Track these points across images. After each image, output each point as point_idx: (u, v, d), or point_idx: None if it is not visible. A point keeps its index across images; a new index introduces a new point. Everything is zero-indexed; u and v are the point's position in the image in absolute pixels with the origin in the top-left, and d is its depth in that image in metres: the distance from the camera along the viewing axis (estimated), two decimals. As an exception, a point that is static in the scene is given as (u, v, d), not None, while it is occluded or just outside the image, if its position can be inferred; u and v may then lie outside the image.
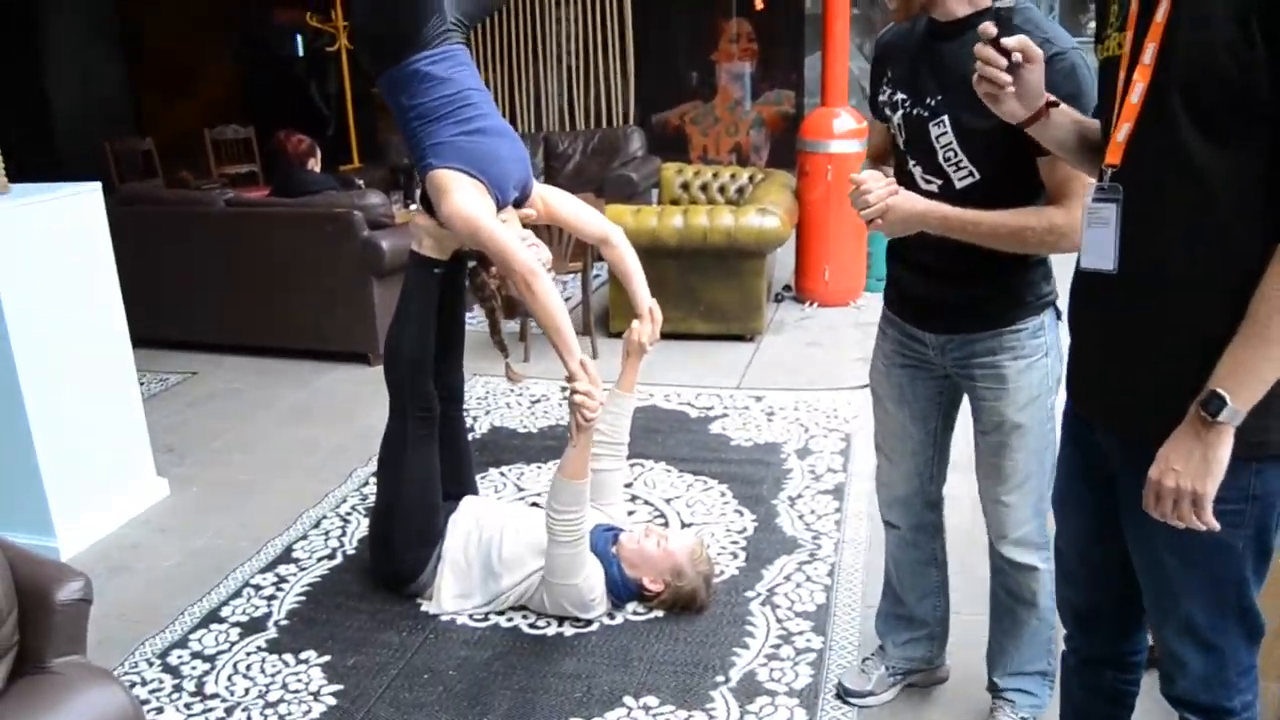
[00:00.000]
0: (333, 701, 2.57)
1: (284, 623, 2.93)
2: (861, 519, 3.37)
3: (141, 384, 4.90)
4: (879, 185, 1.90)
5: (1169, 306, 1.45)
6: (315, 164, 5.52)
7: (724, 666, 2.63)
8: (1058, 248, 1.87)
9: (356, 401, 4.63)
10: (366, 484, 3.74)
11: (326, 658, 2.74)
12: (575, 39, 8.50)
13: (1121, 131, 1.48)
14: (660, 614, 2.86)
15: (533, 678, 2.62)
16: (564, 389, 2.53)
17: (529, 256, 2.45)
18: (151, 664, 2.76)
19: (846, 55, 5.92)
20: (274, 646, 2.81)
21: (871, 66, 2.18)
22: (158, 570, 3.30)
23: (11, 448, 3.28)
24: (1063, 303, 1.79)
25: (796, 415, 4.28)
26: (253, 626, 2.92)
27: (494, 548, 2.85)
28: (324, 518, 3.56)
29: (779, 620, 2.83)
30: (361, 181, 7.16)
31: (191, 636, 2.88)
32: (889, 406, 2.28)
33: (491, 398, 4.61)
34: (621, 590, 2.84)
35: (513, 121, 8.60)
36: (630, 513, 3.44)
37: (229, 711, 2.55)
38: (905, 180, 2.02)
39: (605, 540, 2.87)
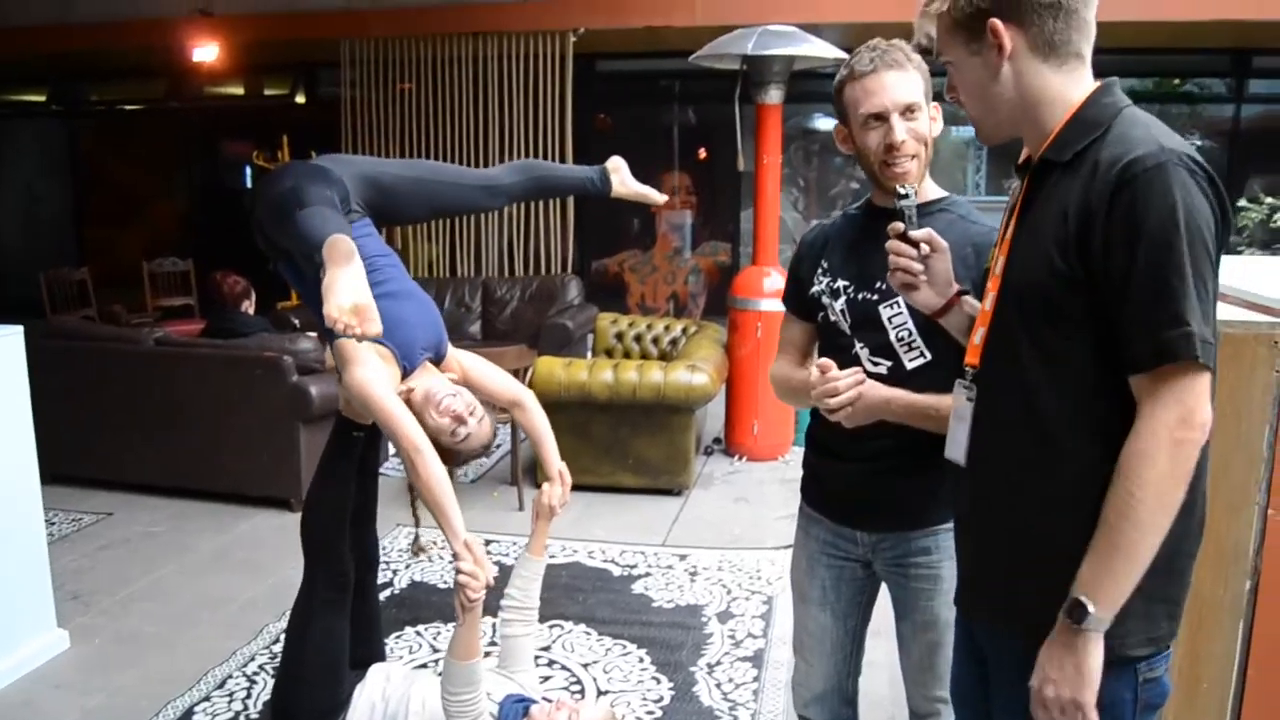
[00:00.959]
0: None
1: (177, 794, 2.81)
2: (779, 688, 3.35)
3: (53, 524, 4.82)
4: (847, 374, 1.88)
5: (1004, 506, 1.53)
6: (250, 305, 5.56)
7: None
8: None
9: (275, 550, 4.54)
10: (276, 640, 3.64)
11: (218, 835, 2.63)
12: (517, 186, 8.70)
13: (978, 335, 1.60)
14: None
15: None
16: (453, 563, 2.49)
17: (417, 432, 2.44)
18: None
19: (777, 215, 6.15)
20: (163, 821, 2.69)
21: (794, 264, 2.18)
22: (49, 731, 3.17)
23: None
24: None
25: (720, 576, 4.28)
26: (143, 798, 2.79)
27: None
28: (229, 677, 3.45)
29: (690, 798, 2.78)
30: (298, 320, 7.19)
31: (77, 808, 2.75)
32: (811, 608, 2.22)
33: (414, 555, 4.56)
34: (531, 765, 2.77)
35: (452, 267, 8.77)
36: (546, 679, 3.39)
37: None
38: (848, 364, 1.99)
39: (515, 713, 2.80)
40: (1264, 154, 9.16)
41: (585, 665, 3.54)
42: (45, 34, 8.71)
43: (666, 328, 6.71)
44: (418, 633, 3.78)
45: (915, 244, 1.66)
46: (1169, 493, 1.35)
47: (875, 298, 1.98)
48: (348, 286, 2.12)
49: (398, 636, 3.73)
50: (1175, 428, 1.33)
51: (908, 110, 1.93)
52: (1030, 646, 1.46)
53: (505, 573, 3.00)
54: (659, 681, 3.42)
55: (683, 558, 4.50)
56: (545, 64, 8.40)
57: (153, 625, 3.87)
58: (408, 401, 2.59)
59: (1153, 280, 1.33)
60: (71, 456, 5.32)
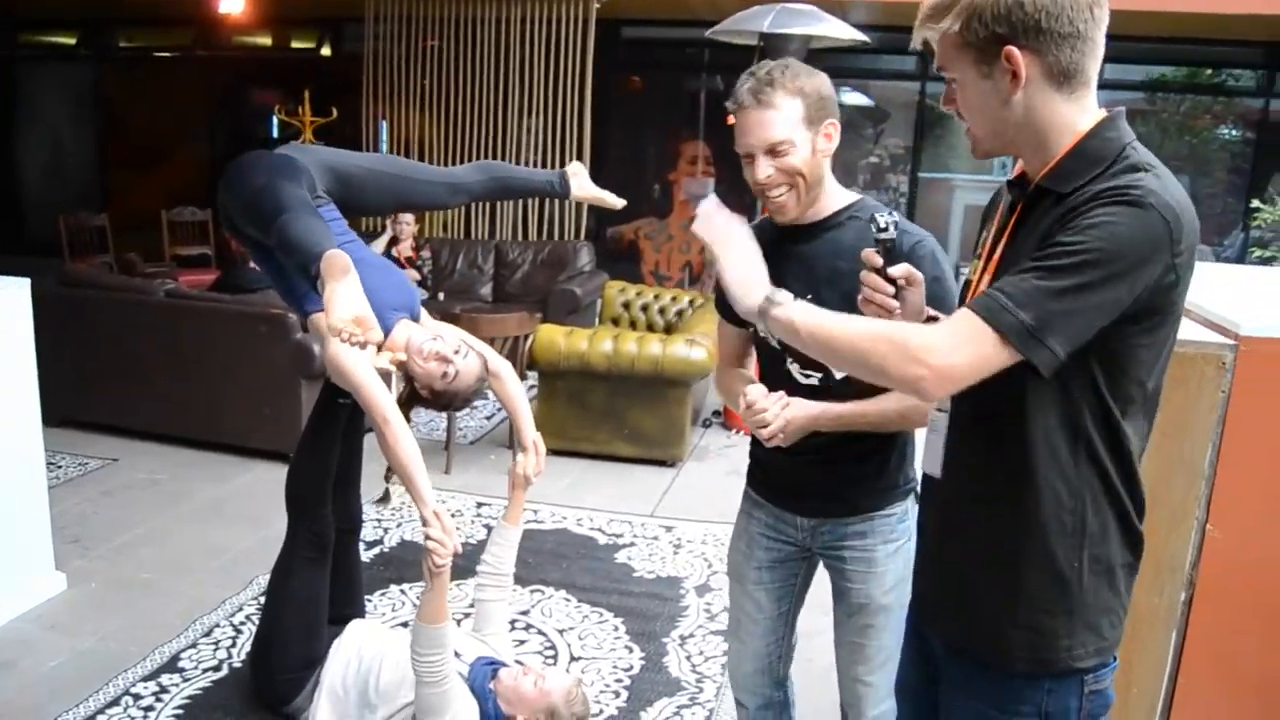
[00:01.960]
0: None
1: (156, 737, 2.92)
2: (747, 664, 3.43)
3: (60, 467, 4.95)
4: (771, 402, 1.94)
5: (978, 521, 1.56)
6: (260, 261, 5.63)
7: (585, 814, 2.66)
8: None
9: (272, 503, 4.57)
10: (264, 593, 3.74)
11: (192, 778, 2.74)
12: (533, 149, 8.74)
13: None
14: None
15: (394, 814, 2.63)
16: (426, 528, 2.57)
17: (388, 404, 2.52)
18: (14, 773, 2.75)
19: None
20: (141, 762, 2.81)
21: None
22: (41, 670, 3.28)
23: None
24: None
25: (703, 549, 4.36)
26: (124, 739, 2.91)
27: (372, 677, 2.88)
28: (217, 625, 3.57)
29: (647, 768, 2.87)
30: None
31: (60, 746, 2.87)
32: (748, 588, 2.29)
33: (406, 509, 4.65)
34: (495, 727, 2.86)
35: (466, 229, 8.82)
36: (521, 643, 3.49)
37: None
38: (779, 377, 2.08)
39: (484, 675, 2.89)
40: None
41: (561, 631, 3.63)
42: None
43: (673, 299, 6.76)
44: (402, 591, 3.89)
45: (893, 280, 1.62)
46: (852, 361, 1.46)
47: None
48: (347, 300, 2.26)
49: (383, 594, 3.84)
50: (927, 351, 1.36)
51: (773, 149, 1.94)
52: (983, 676, 1.52)
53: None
54: (631, 650, 3.51)
55: (669, 529, 4.58)
56: (567, 28, 8.40)
57: (148, 571, 3.99)
58: (400, 364, 2.70)
59: (1050, 264, 1.33)
60: (81, 402, 5.46)
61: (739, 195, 9.68)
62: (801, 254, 2.04)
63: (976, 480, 1.56)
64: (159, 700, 3.10)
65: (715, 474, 5.42)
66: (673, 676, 3.36)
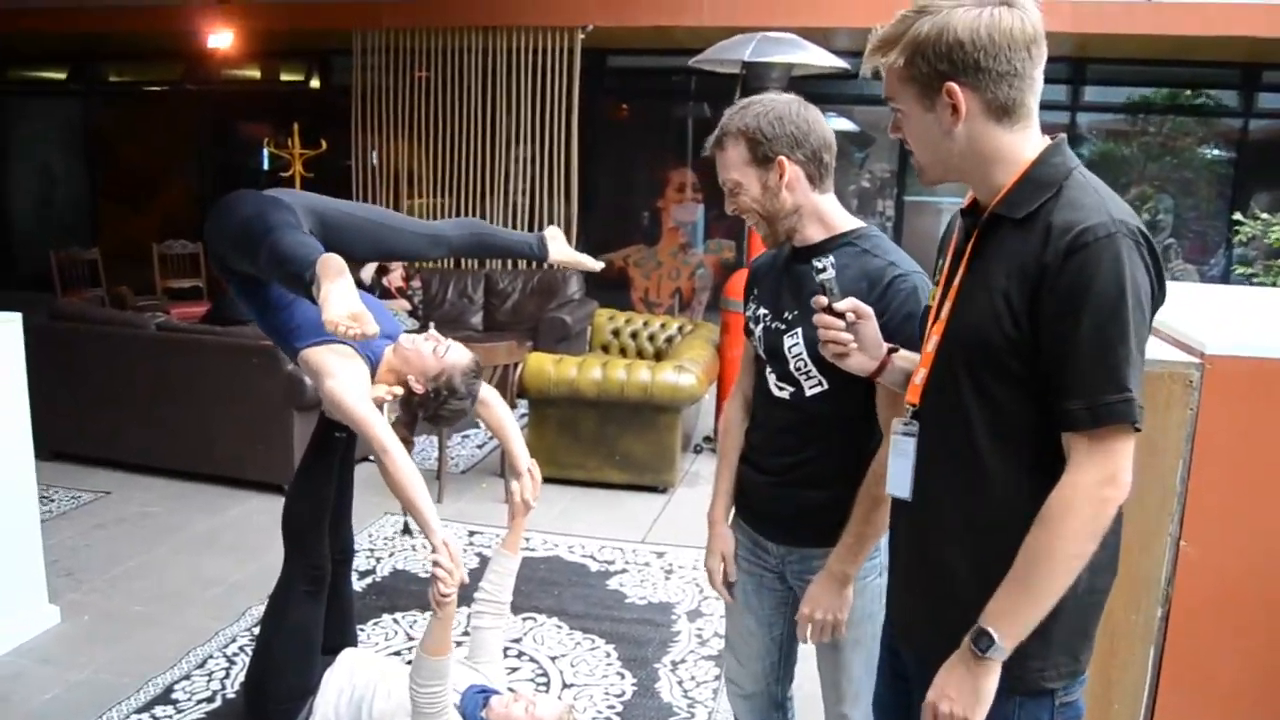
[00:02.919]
0: None
1: (150, 769, 2.94)
2: (738, 688, 3.45)
3: (52, 500, 4.97)
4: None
5: (946, 539, 1.60)
6: (251, 294, 5.67)
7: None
8: None
9: (264, 535, 4.66)
10: (258, 623, 3.75)
11: (186, 810, 2.75)
12: (522, 177, 8.82)
13: (919, 375, 1.66)
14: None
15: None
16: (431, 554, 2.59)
17: (386, 433, 2.56)
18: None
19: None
20: (136, 795, 2.82)
21: (745, 289, 2.30)
22: (35, 703, 3.29)
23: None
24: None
25: (694, 575, 4.38)
26: (118, 772, 2.92)
27: (365, 705, 2.89)
28: (210, 657, 3.58)
29: (640, 792, 2.89)
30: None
31: (54, 780, 2.88)
32: (737, 610, 2.32)
33: (398, 539, 4.67)
34: (487, 755, 2.88)
35: (456, 259, 8.86)
36: (514, 670, 3.50)
37: None
38: (761, 387, 2.17)
39: (476, 704, 2.92)
40: (1272, 167, 9.18)
41: (554, 658, 3.65)
42: (65, 15, 8.86)
43: (662, 325, 6.81)
44: (394, 620, 3.90)
45: (841, 315, 1.71)
46: (1084, 544, 1.43)
47: (782, 327, 2.09)
48: (342, 297, 2.31)
49: (375, 623, 3.85)
50: (1102, 485, 1.41)
51: (729, 189, 2.06)
52: None
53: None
54: (623, 677, 3.53)
55: (660, 555, 4.61)
56: (554, 58, 8.50)
57: (141, 604, 4.00)
58: (395, 396, 2.74)
59: (1098, 344, 1.40)
60: (73, 435, 5.49)
61: (732, 220, 9.82)
62: (796, 274, 2.10)
63: (946, 501, 1.60)
64: (153, 733, 3.11)
65: (706, 499, 5.32)
66: (665, 702, 3.38)
